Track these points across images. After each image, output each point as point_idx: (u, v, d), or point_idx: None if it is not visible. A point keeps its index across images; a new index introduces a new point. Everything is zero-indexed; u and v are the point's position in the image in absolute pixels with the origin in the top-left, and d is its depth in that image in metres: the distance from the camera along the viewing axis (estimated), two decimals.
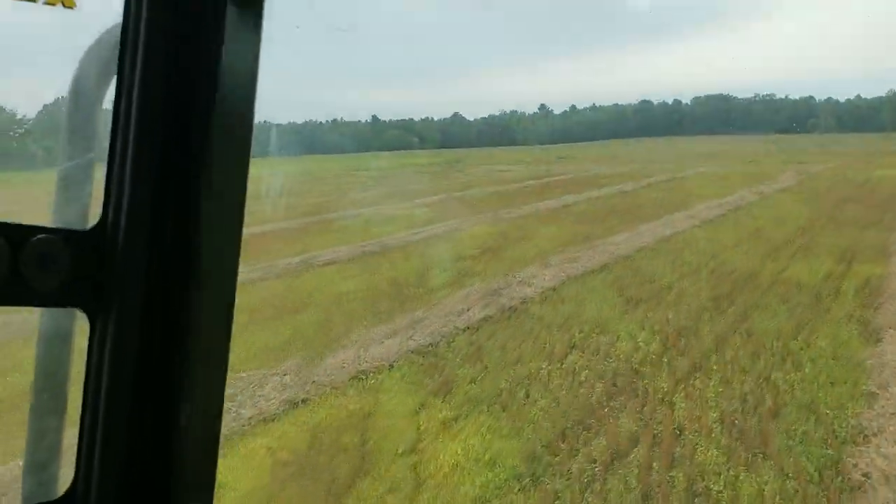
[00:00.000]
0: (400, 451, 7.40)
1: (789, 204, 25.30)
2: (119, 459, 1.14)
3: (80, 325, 1.15)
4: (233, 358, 1.24)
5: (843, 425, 7.62)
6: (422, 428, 7.88)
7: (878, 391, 8.01)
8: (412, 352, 10.52)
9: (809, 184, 33.82)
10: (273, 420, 8.16)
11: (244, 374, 9.36)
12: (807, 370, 8.95)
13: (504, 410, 8.35)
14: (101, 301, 1.12)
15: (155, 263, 1.14)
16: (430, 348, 10.67)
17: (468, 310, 12.63)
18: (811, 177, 37.98)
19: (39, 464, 1.22)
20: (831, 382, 8.54)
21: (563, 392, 8.75)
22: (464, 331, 11.46)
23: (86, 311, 1.12)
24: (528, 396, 8.67)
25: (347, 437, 7.68)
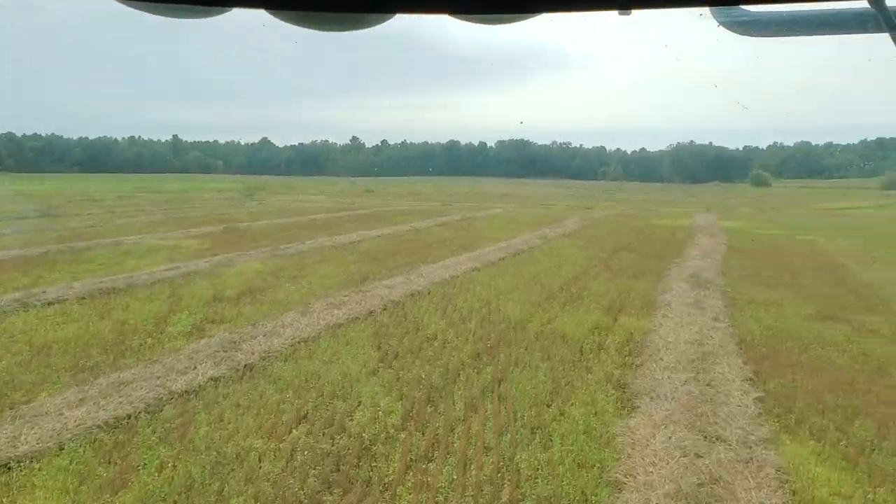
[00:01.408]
0: None
1: (569, 249, 25.49)
2: None
3: None
4: None
5: None
6: None
7: (624, 479, 7.01)
8: (99, 426, 8.34)
9: (591, 230, 34.94)
10: None
11: None
12: (555, 449, 7.87)
13: None
14: None
15: None
16: (124, 421, 8.55)
17: (194, 368, 10.61)
18: (594, 222, 39.50)
19: None
20: (579, 465, 7.49)
21: (268, 483, 7.02)
22: (179, 396, 9.45)
23: None
24: (220, 492, 6.86)
25: None
